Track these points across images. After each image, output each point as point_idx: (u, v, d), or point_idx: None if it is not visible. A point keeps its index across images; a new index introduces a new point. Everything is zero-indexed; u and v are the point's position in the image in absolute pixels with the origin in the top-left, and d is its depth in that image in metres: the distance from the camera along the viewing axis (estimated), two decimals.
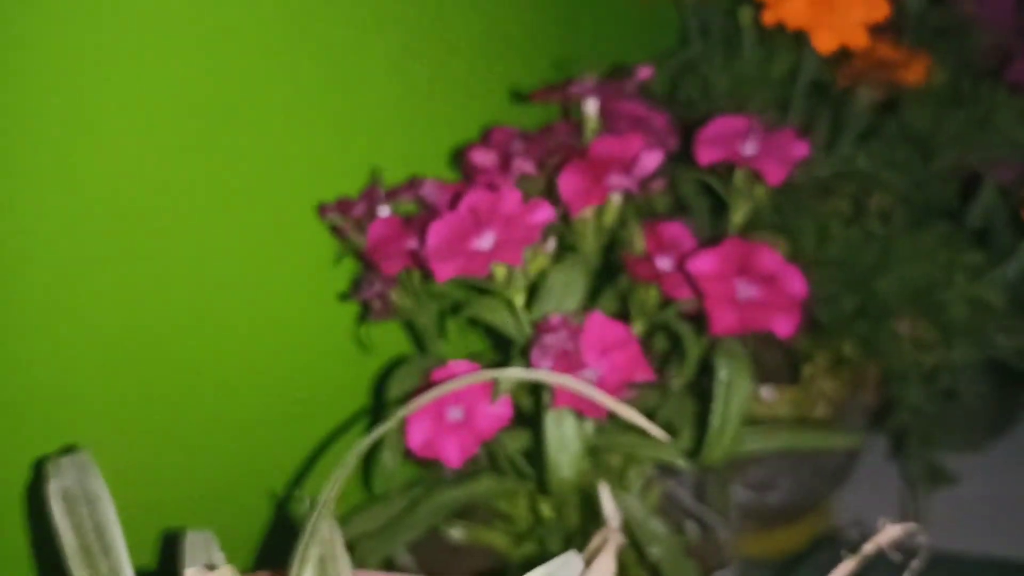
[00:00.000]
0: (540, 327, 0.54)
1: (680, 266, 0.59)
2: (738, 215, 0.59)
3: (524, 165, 0.65)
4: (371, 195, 0.64)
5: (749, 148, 0.56)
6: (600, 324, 0.56)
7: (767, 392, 1.01)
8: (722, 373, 0.58)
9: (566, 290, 0.61)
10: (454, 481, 0.67)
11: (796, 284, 0.58)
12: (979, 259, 0.95)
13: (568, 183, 0.61)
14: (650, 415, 0.73)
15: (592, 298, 0.68)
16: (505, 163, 0.65)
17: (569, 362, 0.53)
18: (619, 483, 0.68)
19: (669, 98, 0.95)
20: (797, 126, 0.87)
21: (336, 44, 0.61)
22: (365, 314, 0.64)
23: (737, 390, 0.58)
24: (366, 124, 0.65)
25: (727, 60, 0.89)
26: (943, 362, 0.88)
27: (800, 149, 0.57)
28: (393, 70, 0.65)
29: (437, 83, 0.69)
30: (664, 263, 0.62)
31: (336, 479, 0.37)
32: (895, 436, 0.98)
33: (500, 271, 0.54)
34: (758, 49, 0.88)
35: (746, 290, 0.57)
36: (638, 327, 0.65)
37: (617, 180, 0.58)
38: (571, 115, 0.73)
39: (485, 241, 0.53)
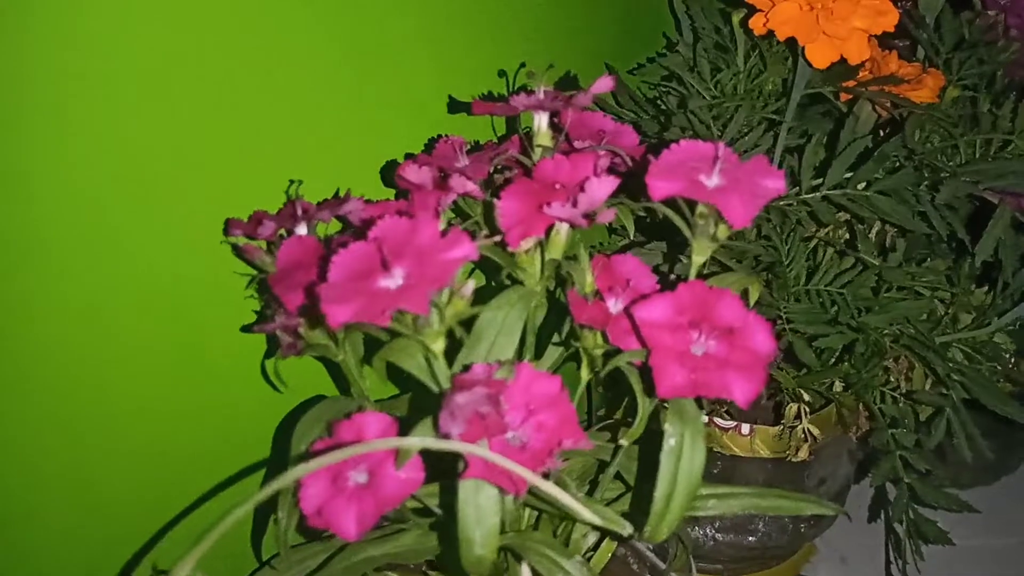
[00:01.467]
0: (456, 381, 0.46)
1: (627, 309, 0.51)
2: (699, 256, 0.51)
3: (463, 184, 0.57)
4: (287, 212, 0.56)
5: (713, 180, 0.48)
6: (528, 378, 0.48)
7: (746, 428, 0.93)
8: (670, 440, 0.50)
9: (502, 334, 0.53)
10: (377, 532, 0.60)
11: (761, 339, 0.49)
12: (986, 298, 0.87)
13: (508, 209, 0.53)
14: (598, 472, 0.65)
15: (538, 343, 0.60)
16: (443, 181, 0.57)
17: (487, 425, 0.45)
18: (562, 543, 0.60)
19: (654, 107, 0.86)
20: (788, 145, 0.78)
21: (260, 41, 0.53)
22: (274, 349, 0.56)
23: (687, 460, 0.50)
24: (294, 131, 0.57)
25: (716, 70, 0.80)
26: (938, 410, 0.80)
27: (774, 183, 0.48)
28: (330, 68, 0.57)
29: (387, 86, 0.61)
30: (614, 305, 0.54)
31: (198, 548, 0.32)
32: (880, 489, 0.89)
33: (407, 316, 0.46)
34: (752, 58, 0.80)
35: (701, 344, 0.49)
36: (585, 375, 0.57)
37: (557, 210, 0.50)
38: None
39: (393, 279, 0.45)
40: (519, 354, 0.61)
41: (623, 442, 0.54)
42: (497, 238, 0.54)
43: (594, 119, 0.65)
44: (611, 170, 0.55)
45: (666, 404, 0.50)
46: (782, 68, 0.77)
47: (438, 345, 0.48)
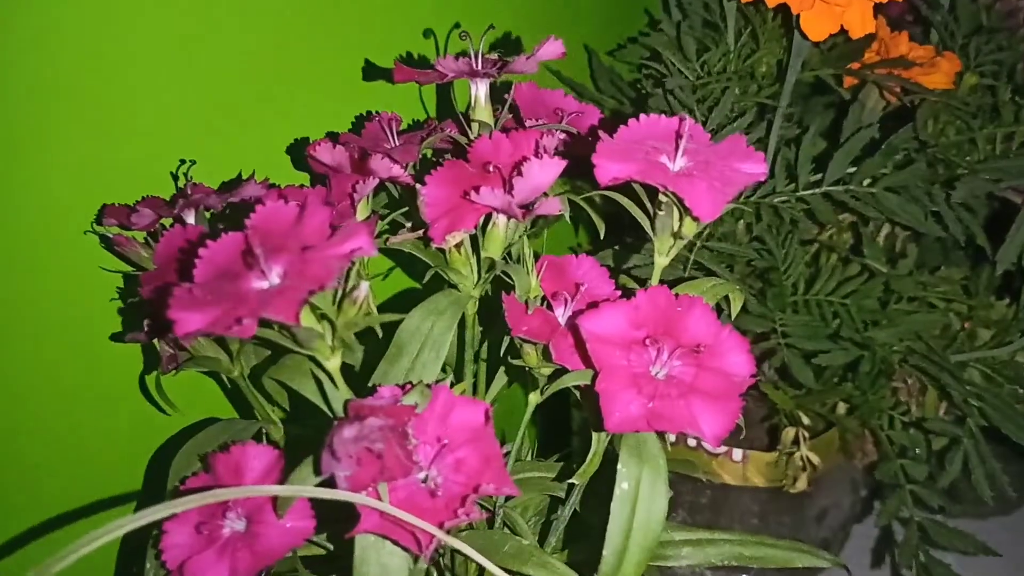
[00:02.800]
0: (350, 409, 0.37)
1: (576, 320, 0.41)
2: (660, 257, 0.41)
3: (387, 168, 0.48)
4: (177, 200, 0.47)
5: (677, 163, 0.39)
6: (446, 405, 0.39)
7: (738, 454, 0.83)
8: (623, 483, 0.40)
9: (427, 348, 0.44)
10: None
11: (737, 361, 0.40)
12: (1007, 312, 0.77)
13: (433, 197, 0.44)
14: (547, 522, 0.55)
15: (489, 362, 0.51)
16: (362, 163, 0.48)
17: (386, 466, 0.36)
18: None
19: (635, 91, 0.77)
20: (784, 136, 0.69)
21: None
22: (154, 363, 0.47)
23: (645, 508, 0.40)
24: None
25: (704, 49, 0.71)
26: (953, 439, 0.70)
27: (752, 168, 0.39)
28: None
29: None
30: (561, 314, 0.45)
31: None
32: (886, 529, 0.80)
33: (292, 328, 0.36)
34: (744, 36, 0.70)
35: (663, 366, 0.40)
36: (533, 398, 0.47)
37: (487, 198, 0.41)
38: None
39: (267, 279, 0.36)
40: (459, 373, 0.52)
41: (575, 481, 0.45)
42: (420, 233, 0.45)
43: (551, 96, 0.55)
44: (564, 154, 0.46)
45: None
46: (776, 47, 0.68)
47: (332, 363, 0.39)
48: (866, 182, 0.67)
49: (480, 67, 0.46)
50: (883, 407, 0.73)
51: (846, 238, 0.83)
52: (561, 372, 0.42)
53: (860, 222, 0.76)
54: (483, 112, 0.47)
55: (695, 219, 0.38)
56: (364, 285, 0.37)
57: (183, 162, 0.49)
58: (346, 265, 0.35)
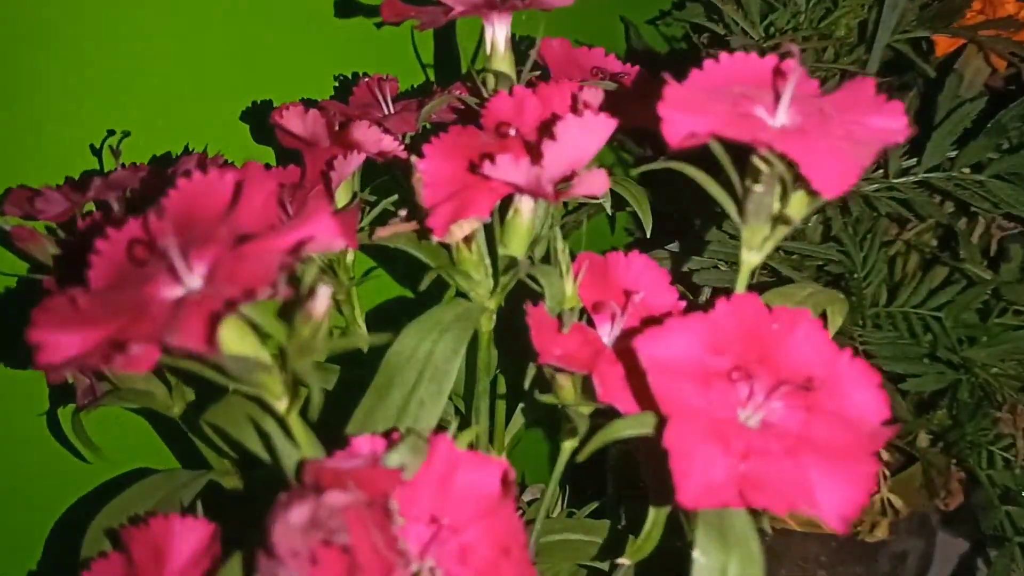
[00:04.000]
0: (307, 474, 0.25)
1: (628, 341, 0.29)
2: (752, 252, 0.29)
3: (375, 139, 0.36)
4: (92, 182, 0.36)
5: (779, 116, 0.27)
6: (448, 465, 0.27)
7: None
8: (701, 559, 0.28)
9: (426, 379, 0.32)
10: None
11: (865, 401, 0.28)
12: None
13: (433, 174, 0.32)
14: None
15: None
16: (344, 134, 0.37)
17: (362, 561, 0.24)
18: None
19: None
20: None
21: None
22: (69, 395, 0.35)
23: None
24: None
25: (770, 10, 0.59)
26: None
27: (889, 122, 0.27)
28: None
29: None
30: (607, 333, 0.33)
31: None
32: None
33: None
34: None
35: (757, 409, 0.28)
36: (568, 445, 0.36)
37: (506, 171, 0.29)
38: None
39: (182, 284, 0.24)
40: (462, 414, 0.41)
41: (624, 561, 0.33)
42: (416, 223, 0.33)
43: (589, 55, 0.44)
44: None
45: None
46: (857, 5, 0.56)
47: (283, 404, 0.27)
48: (968, 169, 0.55)
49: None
50: (984, 442, 0.61)
51: (928, 238, 0.71)
52: (608, 413, 0.30)
53: (952, 218, 0.64)
54: (502, 61, 0.36)
55: (812, 194, 0.26)
56: (323, 292, 0.25)
57: (111, 134, 0.37)
58: (291, 262, 0.23)
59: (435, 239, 0.32)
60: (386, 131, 0.37)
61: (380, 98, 0.41)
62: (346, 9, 0.43)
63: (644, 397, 0.29)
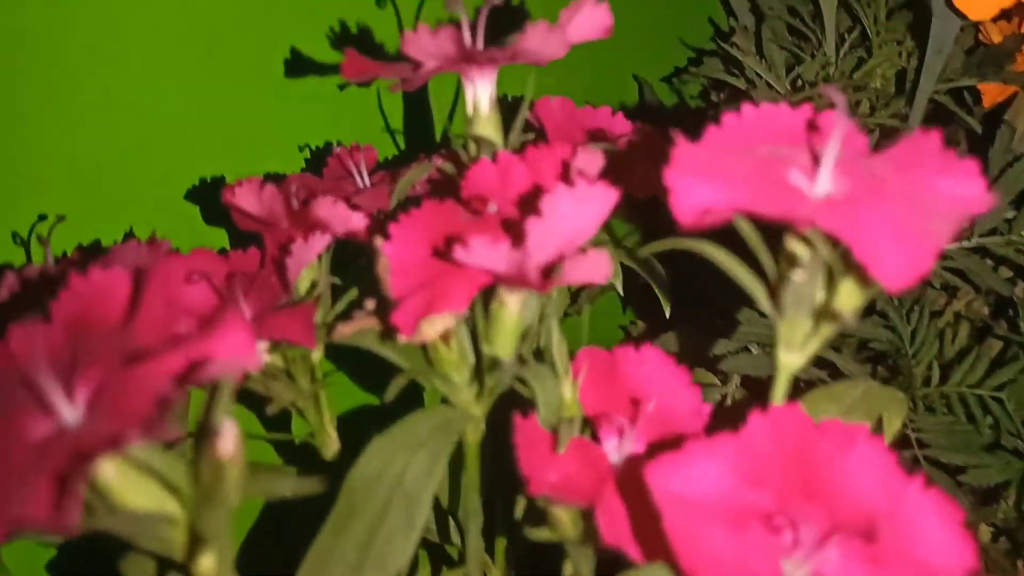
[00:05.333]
0: None
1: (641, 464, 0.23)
2: (792, 352, 0.23)
3: (342, 218, 0.31)
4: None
5: (821, 182, 0.21)
6: None
7: None
8: None
9: (395, 508, 0.26)
10: None
11: (942, 543, 0.22)
12: None
13: (399, 260, 0.26)
14: None
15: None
16: (303, 211, 0.31)
17: None
18: None
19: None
20: None
21: None
22: None
23: None
24: None
25: (796, 62, 0.54)
26: None
27: (962, 187, 0.21)
28: None
29: None
30: (615, 450, 0.27)
31: None
32: None
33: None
34: (849, 41, 0.53)
35: (806, 560, 0.21)
36: None
37: (483, 254, 0.23)
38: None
39: (60, 420, 0.19)
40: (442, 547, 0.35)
41: None
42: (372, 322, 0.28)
43: (593, 115, 0.38)
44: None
45: None
46: (894, 53, 0.50)
47: (207, 562, 0.21)
48: None
49: (477, 46, 0.29)
50: None
51: (978, 306, 0.64)
52: (616, 560, 0.24)
53: (1006, 286, 0.57)
54: (486, 123, 0.30)
55: (869, 285, 0.20)
56: (229, 429, 0.19)
57: (41, 219, 0.32)
58: (174, 392, 0.17)
59: (402, 337, 0.26)
60: (355, 208, 0.31)
61: (354, 170, 0.36)
62: (310, 69, 0.38)
63: (660, 541, 0.23)
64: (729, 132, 0.23)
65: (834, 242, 0.20)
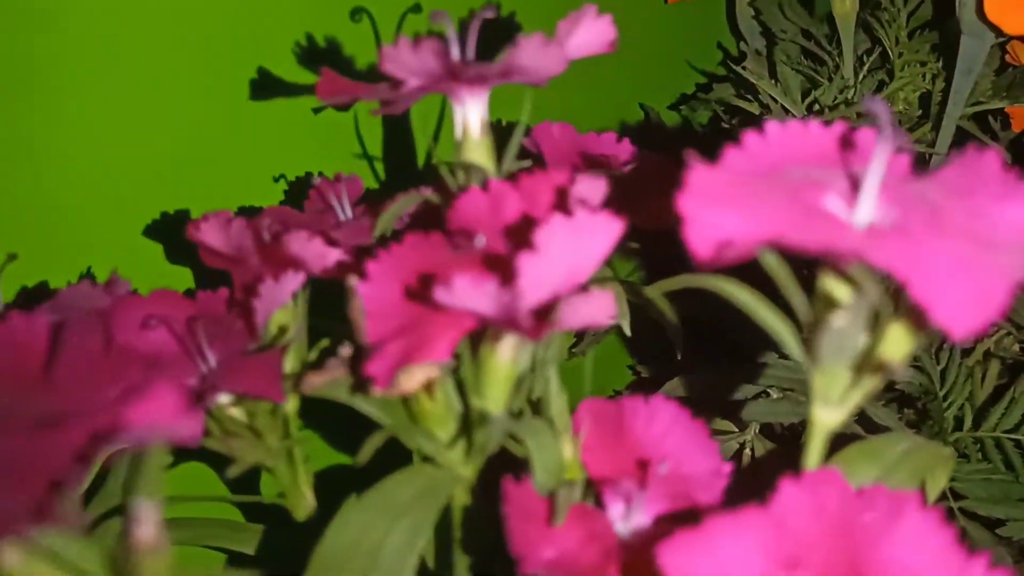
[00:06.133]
0: None
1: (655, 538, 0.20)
2: (829, 408, 0.20)
3: (319, 254, 0.28)
4: None
5: (863, 209, 0.18)
6: None
7: None
8: None
9: None
10: None
11: None
12: None
13: (375, 302, 0.23)
14: None
15: None
16: (275, 246, 0.28)
17: None
18: None
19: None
20: None
21: None
22: None
23: None
24: None
25: (812, 86, 0.51)
26: None
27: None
28: None
29: None
30: (622, 518, 0.23)
31: None
32: None
33: None
34: (869, 63, 0.50)
35: None
36: None
37: (467, 295, 0.20)
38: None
39: None
40: None
41: None
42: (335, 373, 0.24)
43: (597, 142, 0.35)
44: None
45: None
46: (918, 75, 0.47)
47: None
48: None
49: (465, 61, 0.26)
50: None
51: (1009, 342, 0.61)
52: None
53: None
54: (476, 149, 0.27)
55: (922, 329, 0.17)
56: (149, 514, 0.16)
57: None
58: (78, 470, 0.14)
59: (377, 390, 0.23)
60: (333, 243, 0.28)
61: (335, 201, 0.33)
62: (281, 91, 0.35)
63: None
64: (751, 154, 0.20)
65: (894, 279, 0.16)
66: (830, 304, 0.18)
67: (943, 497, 0.47)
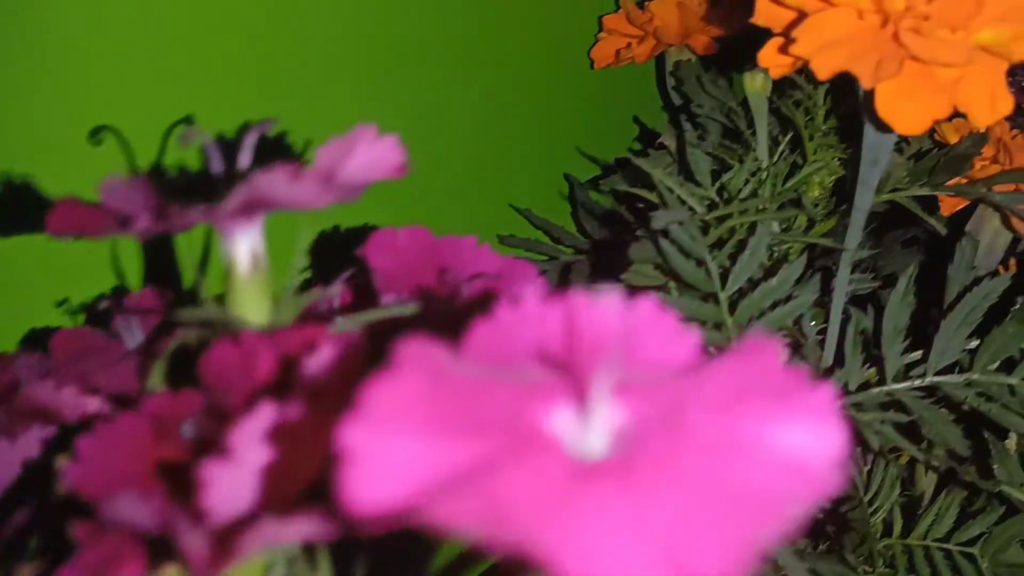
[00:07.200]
0: None
1: None
2: None
3: (71, 402, 0.24)
4: None
5: (594, 436, 0.14)
6: None
7: None
8: None
9: None
10: None
11: None
12: None
13: (88, 490, 0.19)
14: None
15: None
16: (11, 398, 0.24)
17: None
18: None
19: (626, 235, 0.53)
20: (856, 293, 0.44)
21: None
22: None
23: None
24: None
25: (724, 168, 0.47)
26: None
27: (812, 440, 0.14)
28: None
29: None
30: None
31: None
32: None
33: None
34: (784, 145, 0.47)
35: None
36: None
37: (123, 509, 0.16)
38: None
39: None
40: None
41: None
42: None
43: (456, 248, 0.32)
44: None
45: None
46: (833, 159, 0.44)
47: None
48: (994, 365, 0.42)
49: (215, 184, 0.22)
50: None
51: (939, 449, 0.56)
52: None
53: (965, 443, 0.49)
54: (243, 288, 0.23)
55: None
56: None
57: None
58: None
59: None
60: (88, 391, 0.24)
61: (123, 327, 0.29)
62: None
63: None
64: (484, 345, 0.16)
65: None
66: None
67: None
